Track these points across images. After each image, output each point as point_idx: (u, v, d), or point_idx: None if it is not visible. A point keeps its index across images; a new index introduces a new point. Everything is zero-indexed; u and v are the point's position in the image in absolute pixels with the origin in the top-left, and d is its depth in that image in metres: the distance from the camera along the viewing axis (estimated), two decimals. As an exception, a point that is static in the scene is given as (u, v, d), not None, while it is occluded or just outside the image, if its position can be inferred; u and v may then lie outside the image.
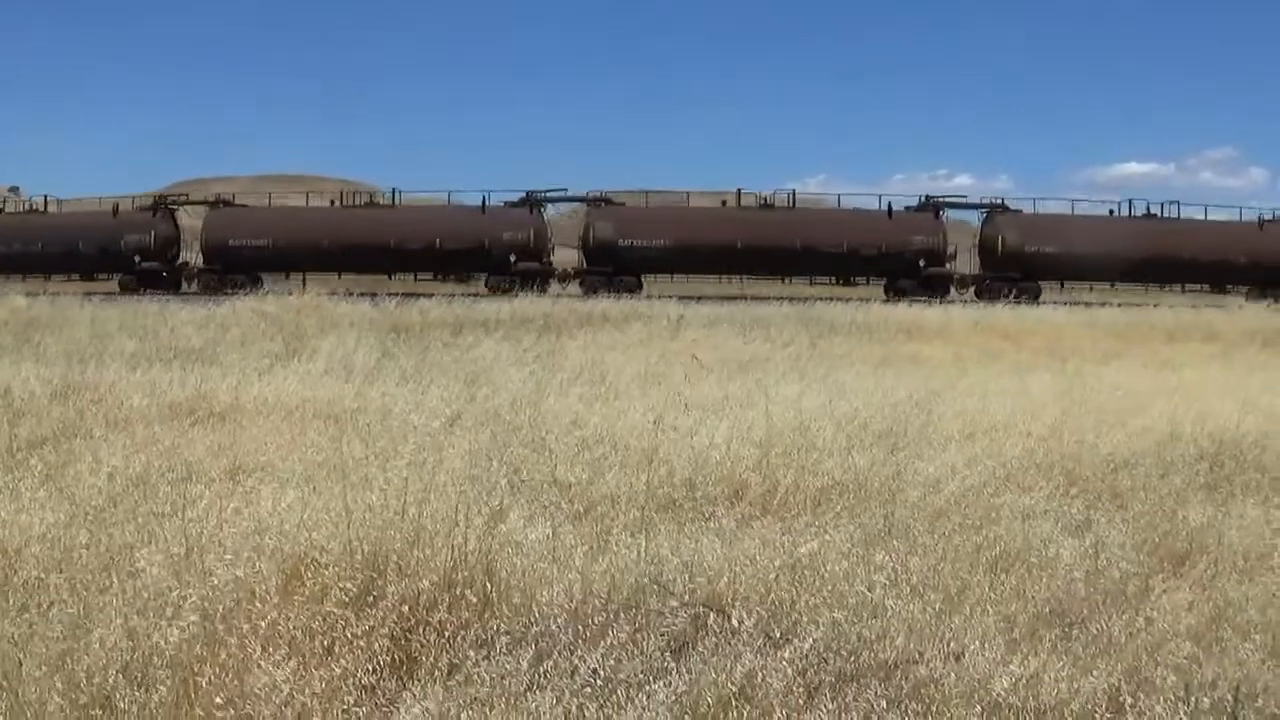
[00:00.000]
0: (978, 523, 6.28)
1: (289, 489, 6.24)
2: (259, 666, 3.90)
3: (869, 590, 4.87)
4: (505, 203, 40.36)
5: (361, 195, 45.80)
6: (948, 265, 39.78)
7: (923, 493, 6.89)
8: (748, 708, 3.80)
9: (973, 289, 39.79)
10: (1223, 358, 18.54)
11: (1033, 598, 5.08)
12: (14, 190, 70.72)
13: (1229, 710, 3.88)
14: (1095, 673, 4.18)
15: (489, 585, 4.69)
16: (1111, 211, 42.08)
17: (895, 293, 38.05)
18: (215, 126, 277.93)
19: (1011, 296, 35.63)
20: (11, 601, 4.54)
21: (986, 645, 4.31)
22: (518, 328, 21.44)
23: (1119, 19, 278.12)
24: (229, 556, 4.78)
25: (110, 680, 3.87)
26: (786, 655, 4.07)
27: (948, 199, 41.91)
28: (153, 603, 4.38)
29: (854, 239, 38.84)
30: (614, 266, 38.25)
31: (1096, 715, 3.90)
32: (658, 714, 3.73)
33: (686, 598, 4.65)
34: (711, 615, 4.44)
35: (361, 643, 4.13)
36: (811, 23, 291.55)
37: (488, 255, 38.31)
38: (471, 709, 3.78)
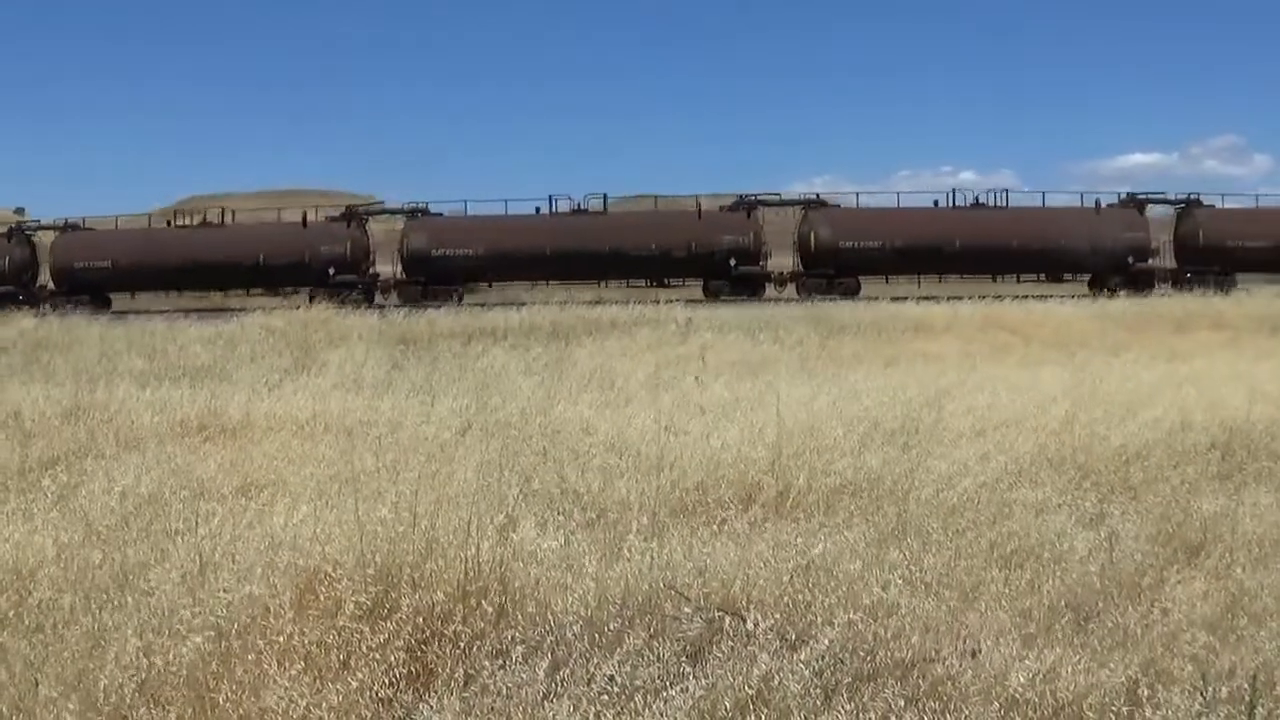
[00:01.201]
0: (991, 519, 6.26)
1: (301, 503, 6.24)
2: (275, 682, 3.91)
3: (884, 589, 4.86)
4: (327, 218, 40.98)
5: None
6: (762, 264, 39.13)
7: (935, 490, 6.87)
8: (765, 711, 3.79)
9: (791, 286, 38.85)
10: (1231, 346, 18.47)
11: (1048, 592, 5.07)
12: (19, 212, 71.07)
13: (1247, 699, 3.87)
14: (1112, 665, 4.17)
15: (503, 595, 4.69)
16: (936, 203, 40.67)
17: (710, 293, 37.58)
18: (225, 142, 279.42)
19: (829, 294, 35.17)
20: (27, 622, 4.56)
21: (1002, 641, 4.30)
22: (526, 335, 21.47)
23: (1120, 8, 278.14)
24: (242, 572, 4.79)
25: (126, 699, 3.88)
26: (803, 657, 4.06)
27: (761, 197, 41.01)
28: (168, 620, 4.39)
29: (664, 241, 38.49)
30: (427, 276, 38.36)
31: (1114, 708, 3.88)
32: None
33: (701, 602, 4.64)
34: (727, 619, 4.43)
35: (377, 655, 4.14)
36: (813, 21, 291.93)
37: (308, 269, 38.62)
38: (489, 719, 3.79)
